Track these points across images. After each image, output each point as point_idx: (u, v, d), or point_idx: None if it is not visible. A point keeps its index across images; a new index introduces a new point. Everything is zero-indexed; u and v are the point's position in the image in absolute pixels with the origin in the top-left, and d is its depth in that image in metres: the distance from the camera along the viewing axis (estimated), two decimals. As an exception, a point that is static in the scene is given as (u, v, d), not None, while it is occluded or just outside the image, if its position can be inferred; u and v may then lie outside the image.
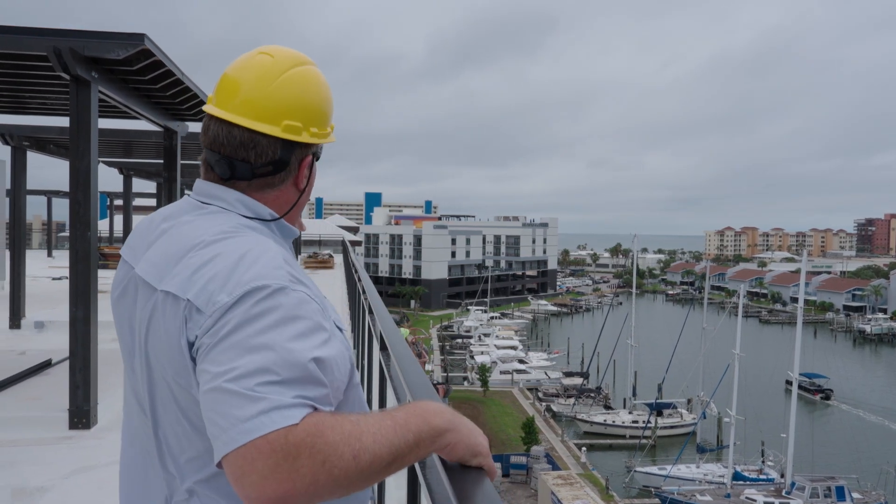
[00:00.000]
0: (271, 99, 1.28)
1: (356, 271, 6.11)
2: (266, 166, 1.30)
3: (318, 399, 1.04)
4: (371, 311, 3.45)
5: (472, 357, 62.99)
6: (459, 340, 74.56)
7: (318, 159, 1.41)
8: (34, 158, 9.79)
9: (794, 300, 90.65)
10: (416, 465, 1.29)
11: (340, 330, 1.21)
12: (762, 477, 37.94)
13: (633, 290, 61.45)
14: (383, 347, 2.62)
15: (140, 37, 4.64)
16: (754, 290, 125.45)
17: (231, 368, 1.01)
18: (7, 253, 8.72)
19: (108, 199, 28.66)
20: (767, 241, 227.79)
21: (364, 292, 4.21)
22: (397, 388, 2.05)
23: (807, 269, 46.79)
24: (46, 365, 6.53)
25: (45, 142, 9.07)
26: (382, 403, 2.94)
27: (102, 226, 29.38)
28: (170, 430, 1.19)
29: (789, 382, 61.27)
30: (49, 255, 23.56)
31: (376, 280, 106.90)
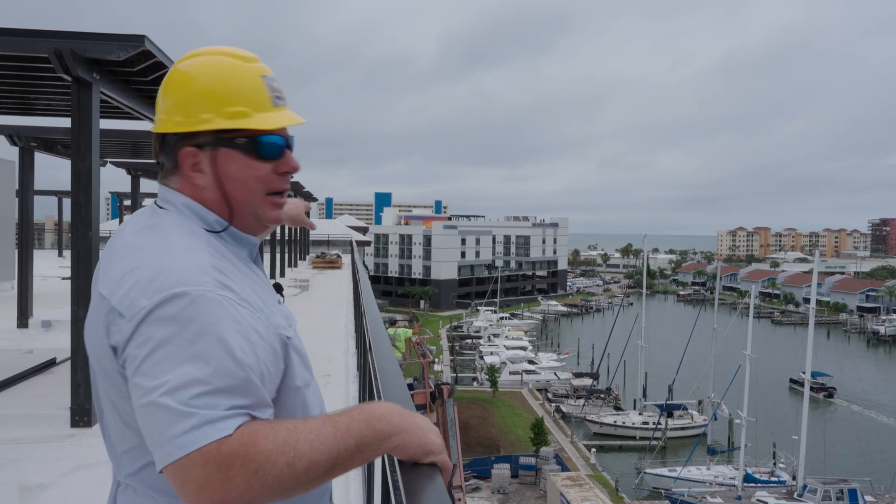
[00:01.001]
0: (157, 100, 1.35)
1: (356, 272, 6.13)
2: (157, 162, 1.35)
3: (253, 405, 1.06)
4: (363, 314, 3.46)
5: (481, 357, 62.95)
6: (469, 341, 74.52)
7: (218, 147, 1.28)
8: (44, 159, 9.89)
9: (807, 301, 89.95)
10: (376, 462, 1.29)
11: (288, 338, 1.23)
12: (773, 479, 37.66)
13: (644, 291, 61.18)
14: (369, 349, 2.62)
15: (140, 38, 4.67)
16: (767, 290, 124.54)
17: (163, 382, 1.03)
18: (15, 252, 8.81)
19: (119, 200, 28.87)
20: (780, 241, 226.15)
21: (360, 294, 4.22)
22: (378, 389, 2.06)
23: (820, 269, 46.49)
24: (51, 363, 6.59)
25: (52, 142, 9.14)
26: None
27: (113, 226, 29.60)
28: (110, 424, 1.24)
29: (794, 381, 61.50)
30: (60, 254, 23.78)
31: (386, 280, 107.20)
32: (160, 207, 1.32)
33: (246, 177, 1.29)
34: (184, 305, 1.08)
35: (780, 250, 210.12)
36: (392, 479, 1.17)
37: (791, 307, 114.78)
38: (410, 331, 21.54)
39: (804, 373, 61.71)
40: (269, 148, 1.30)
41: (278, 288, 1.46)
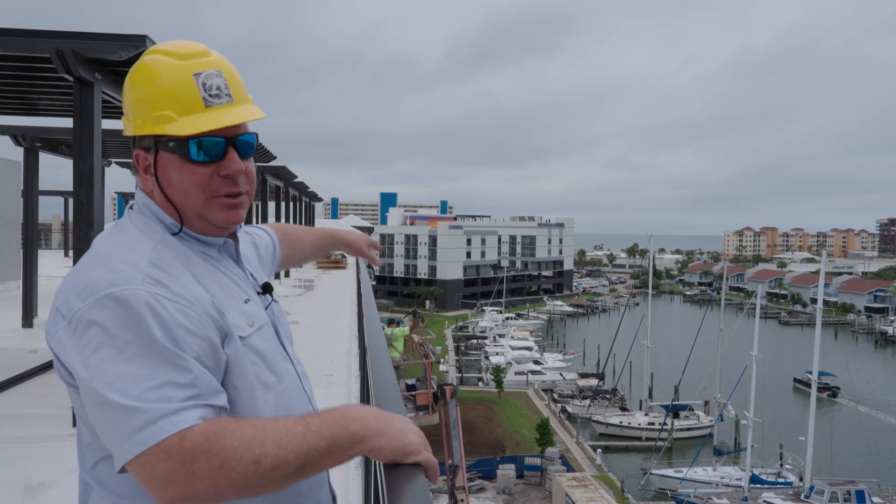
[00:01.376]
0: None
1: (358, 272, 6.13)
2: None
3: (204, 393, 1.09)
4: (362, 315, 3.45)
5: (486, 358, 62.92)
6: (474, 341, 74.48)
7: (158, 150, 1.27)
8: (51, 160, 9.93)
9: (815, 301, 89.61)
10: (370, 462, 1.29)
11: (241, 337, 1.24)
12: (780, 480, 37.54)
13: (650, 291, 61.07)
14: (366, 350, 2.61)
15: (142, 38, 4.68)
16: (774, 290, 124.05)
17: (110, 381, 1.05)
18: (20, 253, 8.85)
19: (125, 200, 28.98)
20: (787, 241, 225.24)
21: (361, 296, 4.22)
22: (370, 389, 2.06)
23: (827, 269, 46.32)
24: (55, 363, 6.61)
25: (57, 143, 9.18)
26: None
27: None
28: (78, 418, 1.27)
29: (798, 381, 61.32)
30: (66, 254, 23.86)
31: (391, 280, 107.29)
32: (131, 208, 1.34)
33: (182, 180, 1.26)
34: (116, 307, 1.10)
35: (787, 250, 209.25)
36: (375, 479, 1.17)
37: (798, 308, 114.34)
38: (406, 330, 21.52)
39: (809, 372, 62.21)
40: (200, 151, 1.25)
41: (267, 287, 1.43)
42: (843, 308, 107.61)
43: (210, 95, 1.25)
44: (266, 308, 1.40)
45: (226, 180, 1.28)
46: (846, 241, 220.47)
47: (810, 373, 61.93)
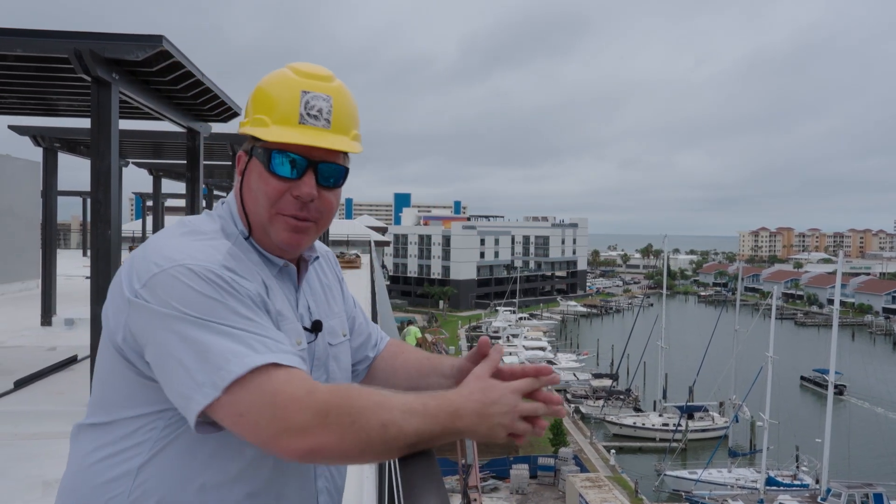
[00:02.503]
0: None
1: (372, 272, 6.15)
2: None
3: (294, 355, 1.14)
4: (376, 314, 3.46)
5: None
6: (488, 341, 74.32)
7: (252, 154, 1.30)
8: (71, 161, 10.03)
9: (831, 302, 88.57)
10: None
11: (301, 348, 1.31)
12: (796, 483, 37.13)
13: (664, 291, 60.70)
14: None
15: (158, 38, 4.72)
16: (790, 291, 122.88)
17: (229, 326, 1.11)
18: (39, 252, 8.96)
19: (143, 200, 29.22)
20: (804, 241, 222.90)
21: (375, 295, 4.23)
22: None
23: (845, 270, 45.81)
24: (72, 360, 6.68)
25: (75, 143, 9.26)
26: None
27: (136, 226, 29.99)
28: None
29: (805, 378, 60.84)
30: (84, 254, 24.10)
31: (405, 280, 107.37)
32: (222, 203, 1.38)
33: (258, 188, 1.27)
34: (198, 273, 1.13)
35: (803, 251, 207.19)
36: (389, 470, 1.18)
37: (815, 308, 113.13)
38: (417, 329, 21.61)
39: (816, 370, 62.53)
40: (278, 164, 1.25)
41: (317, 326, 1.38)
42: (860, 309, 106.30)
43: (308, 114, 1.26)
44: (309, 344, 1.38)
45: (295, 201, 1.27)
46: (863, 242, 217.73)
47: (817, 370, 63.15)
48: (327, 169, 1.28)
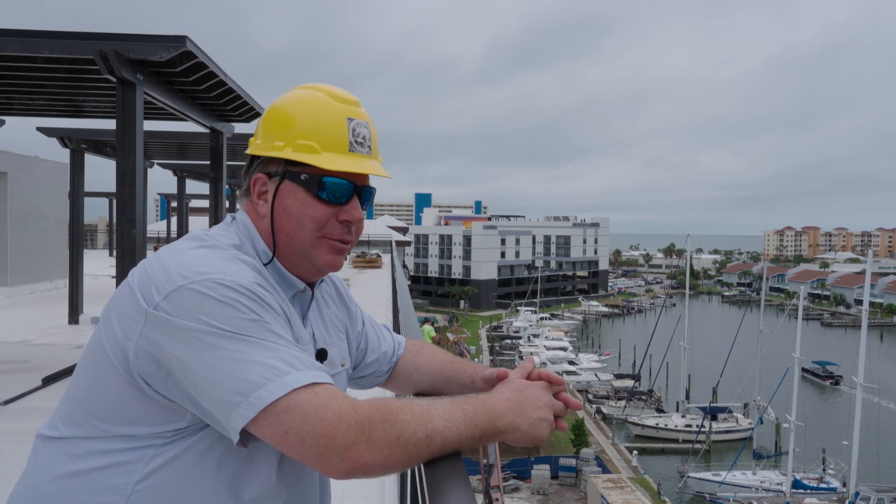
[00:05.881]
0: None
1: (393, 271, 6.15)
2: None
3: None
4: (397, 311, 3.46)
5: (521, 358, 62.58)
6: (509, 341, 74.21)
7: (285, 178, 1.28)
8: (98, 162, 10.18)
9: (859, 302, 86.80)
10: None
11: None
12: (823, 486, 36.52)
13: (687, 291, 60.07)
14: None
15: (182, 39, 4.76)
16: (816, 291, 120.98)
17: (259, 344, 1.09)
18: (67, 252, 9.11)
19: (167, 201, 29.58)
20: (830, 241, 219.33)
21: (396, 293, 4.22)
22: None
23: (873, 269, 45.00)
24: (99, 358, 6.77)
25: (102, 144, 9.40)
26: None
27: (161, 227, 30.37)
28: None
29: (805, 370, 61.07)
30: (111, 254, 24.46)
31: (426, 280, 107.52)
32: (232, 220, 1.35)
33: (301, 214, 1.27)
34: (228, 286, 1.10)
35: (829, 250, 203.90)
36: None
37: (842, 309, 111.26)
38: (431, 327, 21.69)
39: (815, 362, 63.80)
40: (331, 190, 1.27)
41: (321, 354, 1.38)
42: (889, 309, 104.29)
43: (356, 142, 1.30)
44: None
45: (342, 226, 1.30)
46: (892, 241, 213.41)
47: (816, 363, 64.14)
48: (367, 193, 1.35)
